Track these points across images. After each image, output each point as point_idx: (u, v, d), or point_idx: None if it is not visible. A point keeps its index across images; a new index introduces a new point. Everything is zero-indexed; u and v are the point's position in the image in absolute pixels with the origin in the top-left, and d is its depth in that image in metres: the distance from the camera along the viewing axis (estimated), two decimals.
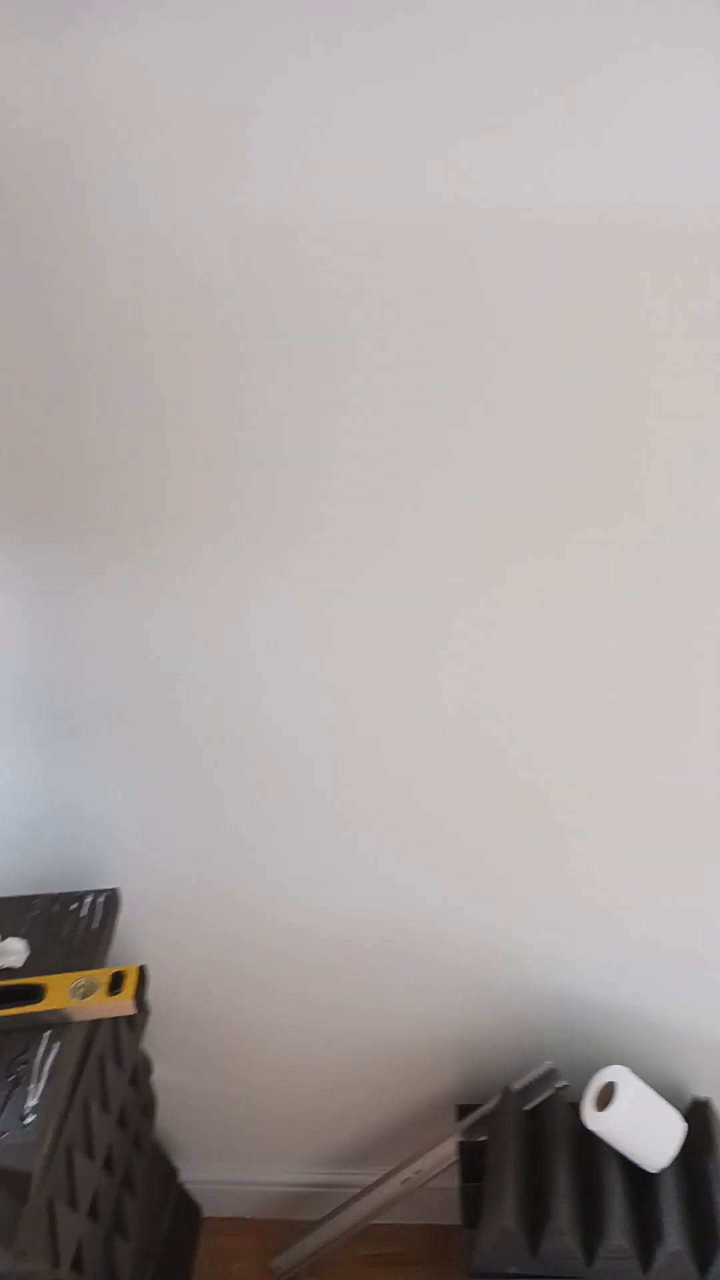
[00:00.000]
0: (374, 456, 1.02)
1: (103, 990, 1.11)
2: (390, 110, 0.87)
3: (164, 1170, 1.56)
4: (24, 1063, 1.06)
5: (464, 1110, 1.44)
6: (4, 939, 1.22)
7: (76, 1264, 1.14)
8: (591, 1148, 1.27)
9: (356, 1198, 1.48)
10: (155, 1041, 1.49)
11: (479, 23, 0.83)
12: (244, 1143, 1.60)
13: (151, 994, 1.44)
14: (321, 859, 1.31)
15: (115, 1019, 1.28)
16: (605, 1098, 1.26)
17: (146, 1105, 1.46)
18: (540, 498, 1.02)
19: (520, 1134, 1.32)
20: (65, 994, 1.11)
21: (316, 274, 0.94)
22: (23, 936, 1.23)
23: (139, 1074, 1.40)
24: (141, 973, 1.15)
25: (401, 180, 0.89)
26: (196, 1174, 1.63)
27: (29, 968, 1.18)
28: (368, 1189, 1.47)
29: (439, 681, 1.15)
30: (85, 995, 1.11)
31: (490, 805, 1.23)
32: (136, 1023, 1.35)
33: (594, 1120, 1.24)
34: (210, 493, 1.06)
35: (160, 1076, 1.51)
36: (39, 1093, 1.02)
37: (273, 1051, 1.50)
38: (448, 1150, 1.40)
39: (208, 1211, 1.66)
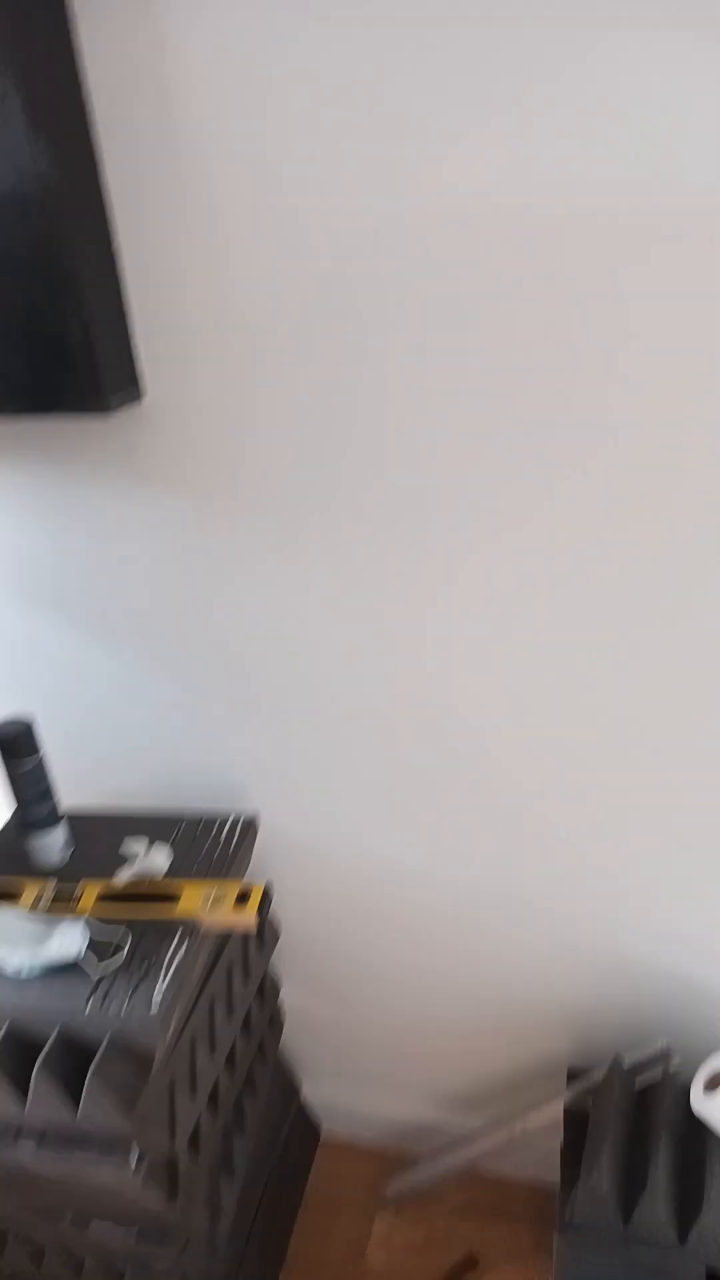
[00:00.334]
0: (488, 447, 1.04)
1: (229, 903, 1.21)
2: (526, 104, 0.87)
3: (286, 1084, 1.67)
4: (156, 958, 1.16)
5: (574, 1075, 1.45)
6: (150, 849, 1.33)
7: (193, 1145, 1.25)
8: (697, 1130, 1.26)
9: (464, 1141, 1.52)
10: (287, 964, 1.59)
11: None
12: (364, 1071, 1.67)
13: (284, 920, 1.53)
14: (451, 812, 1.35)
15: (245, 936, 1.38)
16: (716, 1082, 1.24)
17: (273, 1019, 1.56)
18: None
19: (625, 1105, 1.32)
20: (197, 902, 1.21)
21: (450, 271, 0.97)
22: (167, 849, 1.34)
23: (266, 989, 1.50)
24: (265, 892, 1.23)
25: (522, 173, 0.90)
26: (318, 1094, 1.72)
27: (169, 876, 1.29)
28: (475, 1134, 1.51)
29: (569, 651, 1.16)
30: (214, 905, 1.21)
31: (621, 778, 1.23)
32: (266, 941, 1.44)
33: (701, 1102, 1.23)
34: (365, 482, 1.13)
35: (290, 998, 1.61)
36: (166, 985, 1.12)
37: (397, 989, 1.56)
38: (553, 1112, 1.42)
39: (325, 1133, 1.76)
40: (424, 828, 1.38)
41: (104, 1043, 1.09)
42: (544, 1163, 1.52)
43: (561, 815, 1.30)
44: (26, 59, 0.96)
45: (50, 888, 1.26)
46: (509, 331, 1.01)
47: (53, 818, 1.33)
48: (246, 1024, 1.42)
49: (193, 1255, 1.33)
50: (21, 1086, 1.10)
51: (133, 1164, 1.16)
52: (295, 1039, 1.68)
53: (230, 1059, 1.36)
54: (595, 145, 0.90)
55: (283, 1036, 1.64)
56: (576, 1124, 1.36)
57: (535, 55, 0.88)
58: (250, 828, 1.38)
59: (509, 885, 1.38)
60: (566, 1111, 1.38)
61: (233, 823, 1.39)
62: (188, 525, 1.25)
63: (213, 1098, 1.31)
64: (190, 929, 1.20)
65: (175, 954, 1.16)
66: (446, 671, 1.24)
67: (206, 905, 1.21)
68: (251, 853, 1.39)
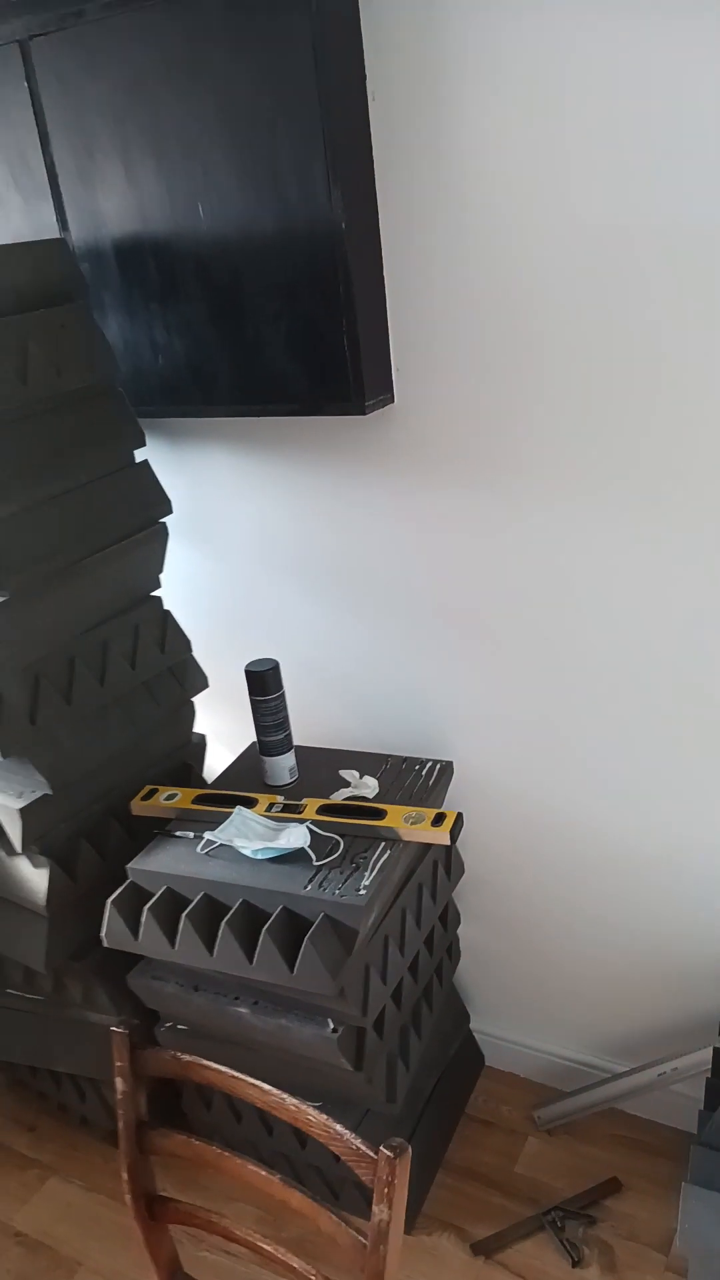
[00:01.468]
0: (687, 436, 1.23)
1: (427, 822, 1.44)
2: None
3: (457, 1010, 1.88)
4: (365, 858, 1.41)
5: None
6: (362, 778, 1.58)
7: (378, 1028, 1.48)
8: None
9: (617, 1076, 1.69)
10: (468, 902, 1.80)
11: None
12: (528, 1010, 1.86)
13: (467, 860, 1.75)
14: (634, 771, 1.53)
15: (435, 862, 1.60)
16: None
17: (451, 948, 1.78)
18: None
19: None
20: (400, 819, 1.45)
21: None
22: (376, 780, 1.58)
23: (449, 917, 1.72)
24: (459, 818, 1.45)
25: None
26: (485, 1027, 1.92)
27: (378, 800, 1.54)
28: (629, 1071, 1.67)
29: None
30: (414, 823, 1.44)
31: None
32: (453, 870, 1.66)
33: None
34: (572, 476, 1.35)
35: (467, 935, 1.83)
36: (371, 879, 1.37)
37: (565, 935, 1.74)
38: (702, 1058, 1.56)
39: (489, 1063, 1.95)
40: (605, 783, 1.56)
41: (319, 918, 1.34)
42: (689, 1110, 1.66)
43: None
44: (333, 132, 1.24)
45: (281, 800, 1.54)
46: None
47: (286, 744, 1.60)
48: (430, 941, 1.64)
49: (368, 1131, 1.56)
50: (251, 946, 1.37)
51: (330, 1025, 1.41)
52: (471, 974, 1.89)
53: (414, 966, 1.59)
54: None
55: (459, 969, 1.86)
56: None
57: None
58: (447, 770, 1.61)
59: (679, 844, 1.54)
60: (716, 1053, 1.52)
61: (431, 765, 1.62)
62: (424, 508, 1.50)
63: (397, 993, 1.53)
64: (393, 839, 1.44)
65: (380, 858, 1.41)
66: (643, 635, 1.42)
67: (407, 822, 1.44)
68: (446, 792, 1.61)
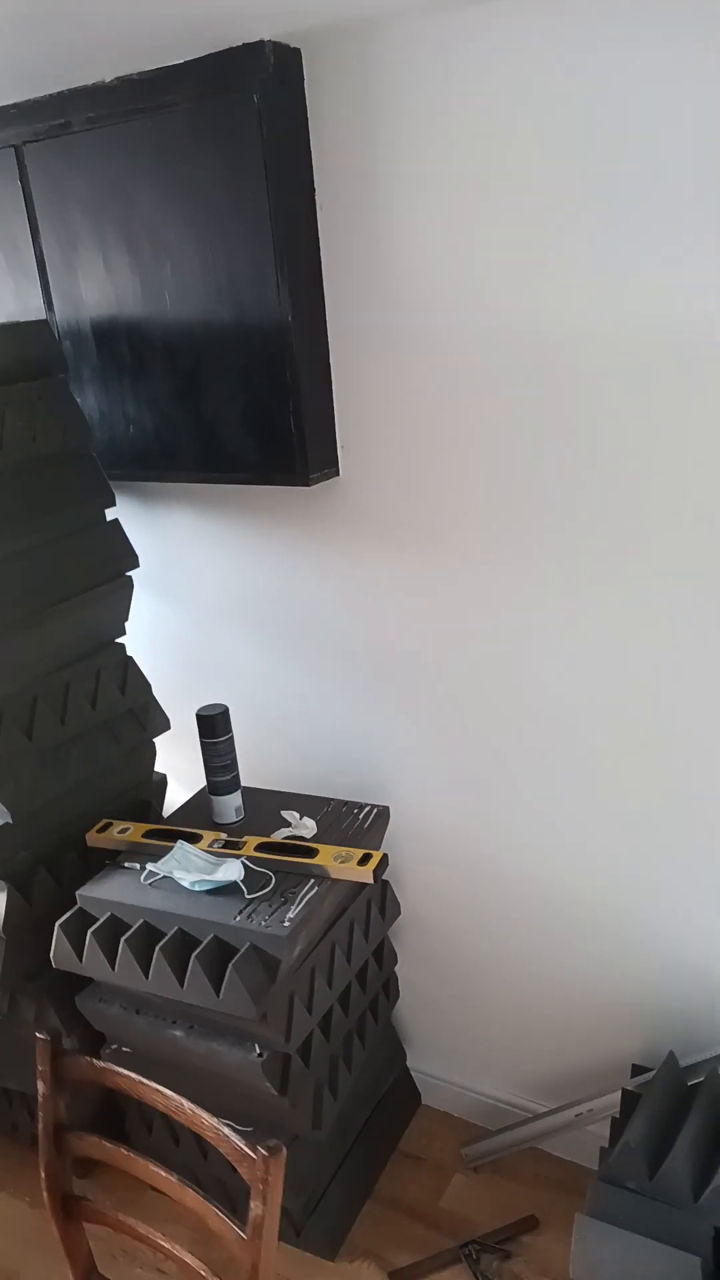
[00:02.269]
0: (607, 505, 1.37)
1: (354, 861, 1.54)
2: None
3: (394, 1048, 1.96)
4: (294, 893, 1.51)
5: (637, 1070, 1.66)
6: (301, 819, 1.70)
7: (304, 1055, 1.58)
8: None
9: (537, 1117, 1.76)
10: (407, 943, 1.90)
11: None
12: (463, 1051, 1.94)
13: (407, 902, 1.85)
14: (567, 821, 1.63)
15: (369, 901, 1.71)
16: None
17: (389, 986, 1.87)
18: None
19: (672, 1090, 1.53)
20: (330, 858, 1.56)
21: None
22: (314, 822, 1.70)
23: (384, 955, 1.81)
24: (383, 858, 1.56)
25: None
26: (423, 1065, 2.00)
27: (315, 840, 1.65)
28: (548, 1112, 1.75)
29: (672, 674, 1.44)
30: (342, 861, 1.55)
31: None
32: (387, 910, 1.76)
33: None
34: (500, 538, 1.49)
35: (407, 975, 1.92)
36: (297, 912, 1.47)
37: (497, 977, 1.83)
38: (615, 1098, 1.64)
39: (425, 1101, 2.03)
40: (540, 833, 1.67)
41: (245, 946, 1.44)
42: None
43: (678, 829, 1.54)
44: (282, 236, 1.40)
45: (223, 836, 1.65)
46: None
47: (233, 784, 1.72)
48: (363, 976, 1.74)
49: (295, 1157, 1.65)
50: (182, 971, 1.47)
51: (257, 1050, 1.51)
52: (409, 1013, 1.98)
53: (345, 999, 1.68)
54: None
55: (399, 1008, 1.95)
56: (631, 1106, 1.58)
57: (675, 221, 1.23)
58: (384, 814, 1.72)
59: (612, 893, 1.64)
60: (625, 1095, 1.60)
61: (370, 809, 1.73)
62: (364, 570, 1.64)
63: (325, 1024, 1.63)
64: (322, 876, 1.55)
65: (308, 893, 1.51)
66: (568, 686, 1.54)
67: (336, 861, 1.55)
68: (383, 835, 1.72)
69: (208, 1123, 1.07)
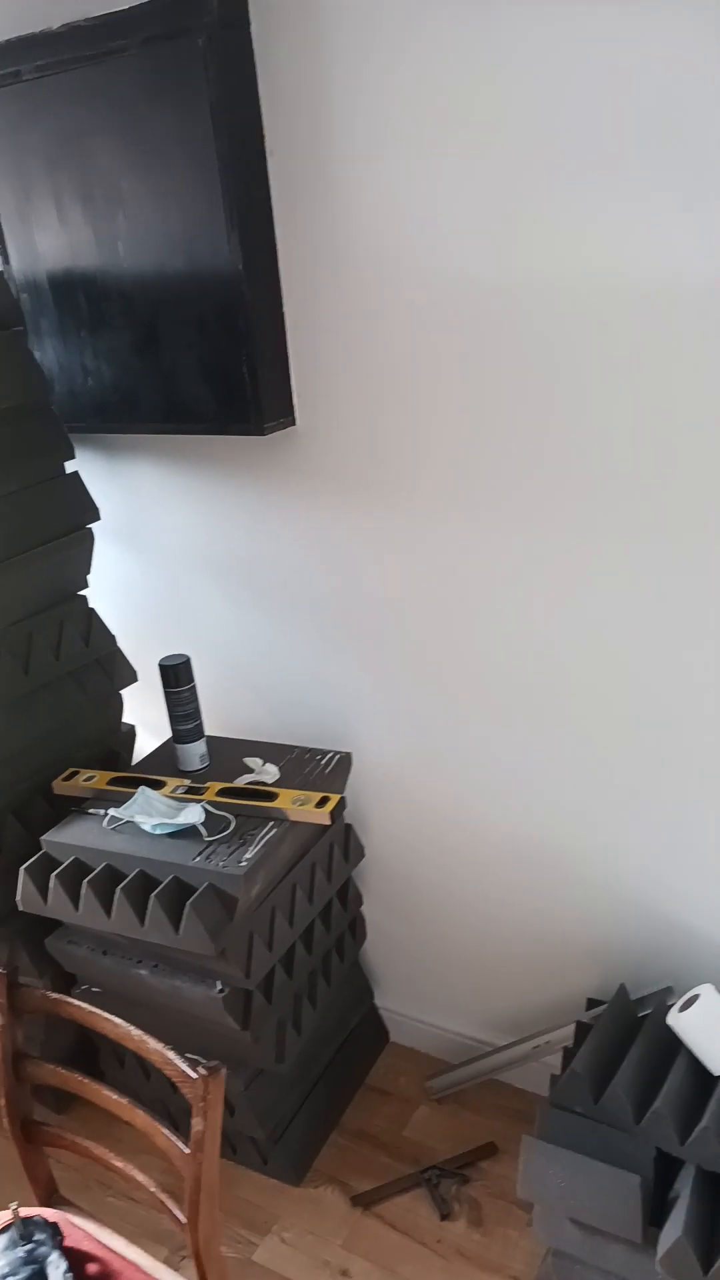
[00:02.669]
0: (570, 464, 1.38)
1: (311, 804, 1.58)
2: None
3: (361, 987, 2.02)
4: (253, 835, 1.55)
5: (592, 1004, 1.71)
6: (264, 766, 1.73)
7: (266, 992, 1.63)
8: (673, 1045, 1.51)
9: (497, 1050, 1.82)
10: (372, 885, 1.95)
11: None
12: (429, 989, 1.99)
13: (371, 845, 1.89)
14: (513, 769, 1.67)
15: (331, 844, 1.75)
16: (689, 1005, 1.49)
17: (355, 926, 1.92)
18: None
19: (620, 1022, 1.58)
20: (289, 802, 1.60)
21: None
22: (277, 768, 1.73)
23: (349, 895, 1.86)
24: (340, 800, 1.60)
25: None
26: (390, 1004, 2.06)
27: (277, 785, 1.68)
28: (507, 1045, 1.80)
29: (630, 623, 1.47)
30: (300, 805, 1.59)
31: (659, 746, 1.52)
32: (350, 853, 1.81)
33: (674, 1018, 1.48)
34: (457, 490, 1.51)
35: (374, 917, 1.97)
36: (254, 853, 1.51)
37: (460, 917, 1.88)
38: (569, 1030, 1.70)
39: (393, 1038, 2.09)
40: (499, 778, 1.70)
41: (203, 885, 1.49)
42: None
43: (631, 774, 1.57)
44: (231, 184, 1.40)
45: (186, 783, 1.69)
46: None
47: (197, 733, 1.75)
48: (327, 916, 1.78)
49: (260, 1089, 1.71)
50: (143, 911, 1.52)
51: (219, 986, 1.55)
52: (377, 954, 2.03)
53: (308, 938, 1.73)
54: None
55: (367, 949, 2.00)
56: (584, 1038, 1.64)
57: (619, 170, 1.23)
58: (345, 760, 1.76)
59: (569, 837, 1.68)
60: (579, 1026, 1.66)
61: (332, 755, 1.77)
62: (323, 518, 1.66)
63: (288, 962, 1.68)
64: (281, 819, 1.59)
65: (266, 835, 1.55)
66: (527, 638, 1.56)
67: (294, 804, 1.59)
68: (345, 780, 1.76)
69: (152, 1047, 1.12)
